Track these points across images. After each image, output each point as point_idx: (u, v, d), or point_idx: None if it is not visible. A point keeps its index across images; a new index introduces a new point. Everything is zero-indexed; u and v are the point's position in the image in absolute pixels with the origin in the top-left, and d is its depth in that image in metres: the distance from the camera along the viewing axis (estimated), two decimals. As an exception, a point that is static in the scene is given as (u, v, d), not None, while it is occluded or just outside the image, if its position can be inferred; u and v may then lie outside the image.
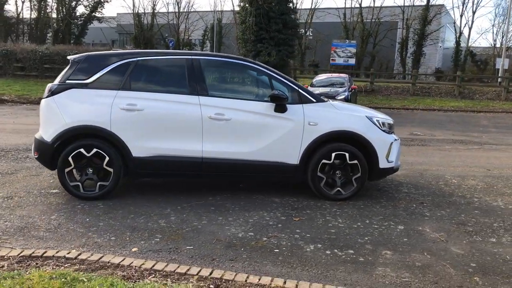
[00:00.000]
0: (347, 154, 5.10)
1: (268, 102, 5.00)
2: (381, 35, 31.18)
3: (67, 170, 4.81)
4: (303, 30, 34.05)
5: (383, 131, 5.27)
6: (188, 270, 3.10)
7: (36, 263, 3.12)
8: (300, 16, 34.81)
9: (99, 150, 4.80)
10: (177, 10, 42.38)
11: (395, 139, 5.43)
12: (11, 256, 3.25)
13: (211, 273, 3.06)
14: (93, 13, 33.44)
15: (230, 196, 5.21)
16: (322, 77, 18.07)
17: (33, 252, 3.28)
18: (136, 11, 41.07)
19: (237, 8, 19.83)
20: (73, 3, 32.55)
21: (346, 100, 15.48)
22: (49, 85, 4.97)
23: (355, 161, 5.12)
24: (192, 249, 3.67)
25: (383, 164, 5.22)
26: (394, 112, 17.01)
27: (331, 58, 24.99)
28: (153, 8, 42.30)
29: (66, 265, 3.13)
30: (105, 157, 4.81)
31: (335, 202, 5.09)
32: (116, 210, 4.58)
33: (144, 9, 44.53)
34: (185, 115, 4.91)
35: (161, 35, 42.13)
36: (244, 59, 5.37)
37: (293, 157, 5.05)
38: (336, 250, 3.75)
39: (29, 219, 4.25)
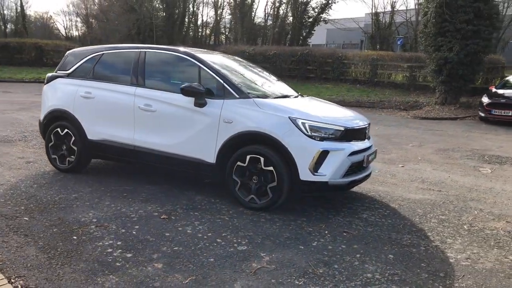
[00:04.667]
0: (262, 159, 4.47)
1: (188, 95, 4.83)
2: None
3: (50, 144, 5.84)
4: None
5: (310, 136, 4.35)
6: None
7: None
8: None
9: (68, 131, 5.66)
10: (417, 7, 40.30)
11: (337, 149, 4.39)
12: None
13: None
14: (320, 15, 35.10)
15: (164, 187, 5.27)
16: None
17: None
18: (375, 11, 41.23)
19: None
20: (302, 7, 34.93)
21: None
22: (47, 75, 6.11)
23: (271, 168, 4.43)
24: (25, 220, 4.09)
25: (305, 175, 4.34)
26: None
27: None
28: (392, 6, 41.56)
29: None
30: (72, 137, 5.64)
31: (245, 211, 4.55)
32: (62, 182, 5.33)
33: (384, 8, 44.06)
34: (122, 104, 5.25)
35: (397, 33, 40.95)
36: (177, 50, 5.23)
37: (210, 155, 4.76)
38: (122, 251, 3.53)
39: (1, 177, 5.45)
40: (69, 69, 5.81)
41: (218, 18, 45.12)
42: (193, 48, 5.67)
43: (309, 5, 35.45)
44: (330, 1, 35.12)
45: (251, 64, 6.23)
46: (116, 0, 42.85)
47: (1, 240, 3.65)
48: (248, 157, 4.54)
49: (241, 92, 4.71)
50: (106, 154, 5.56)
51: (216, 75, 4.84)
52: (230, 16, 42.80)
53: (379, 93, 19.19)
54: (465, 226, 4.39)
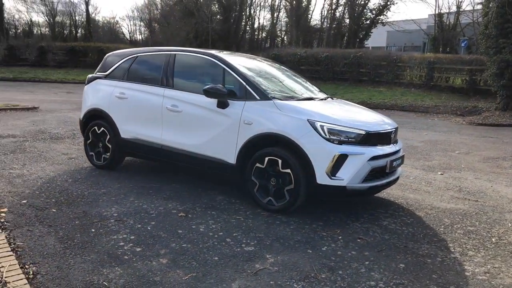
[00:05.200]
0: (279, 161, 4.47)
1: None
2: None
3: (88, 142, 6.17)
4: None
5: (328, 139, 4.28)
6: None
7: None
8: None
9: (104, 129, 5.95)
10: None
11: (357, 153, 4.28)
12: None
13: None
14: (378, 17, 34.27)
15: (189, 186, 5.40)
16: None
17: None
18: (439, 11, 39.74)
19: None
20: (359, 9, 34.28)
21: None
22: (88, 76, 6.45)
23: (288, 170, 4.41)
24: (53, 212, 4.35)
25: (322, 179, 4.28)
26: None
27: None
28: (458, 6, 39.92)
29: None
30: (107, 135, 5.92)
31: (262, 213, 4.56)
32: (95, 178, 5.62)
33: (449, 9, 42.32)
34: (151, 104, 5.43)
35: (463, 35, 39.20)
36: (204, 52, 5.31)
37: (231, 156, 4.81)
38: (133, 245, 3.67)
39: (37, 169, 5.82)
40: (107, 71, 6.11)
41: (275, 21, 45.29)
42: (225, 51, 5.74)
43: (367, 7, 34.73)
44: (388, 3, 34.19)
45: (283, 67, 6.23)
46: (176, 5, 44.17)
47: (27, 228, 3.91)
48: (266, 159, 4.55)
49: (262, 94, 4.72)
50: (136, 152, 5.77)
51: (239, 77, 4.88)
52: (286, 19, 42.88)
53: (435, 98, 18.39)
54: (493, 239, 4.12)
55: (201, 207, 4.68)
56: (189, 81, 5.37)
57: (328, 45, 34.94)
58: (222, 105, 4.81)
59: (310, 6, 37.67)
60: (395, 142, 4.89)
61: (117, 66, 6.01)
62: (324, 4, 38.42)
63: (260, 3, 46.29)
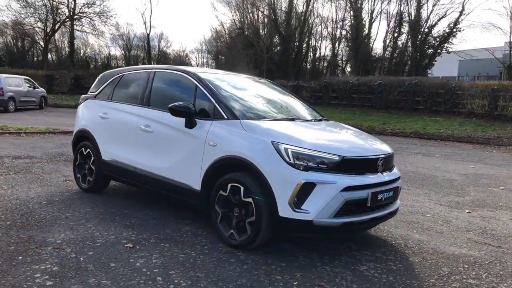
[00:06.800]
0: (242, 188, 3.87)
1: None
2: None
3: (76, 163, 5.95)
4: None
5: (292, 164, 3.63)
6: None
7: None
8: None
9: (90, 151, 5.70)
10: None
11: (326, 182, 3.58)
12: None
13: None
14: (443, 45, 32.53)
15: (163, 214, 4.94)
16: None
17: None
18: (513, 39, 37.31)
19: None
20: (423, 37, 32.79)
21: None
22: (81, 96, 6.28)
23: (250, 199, 3.81)
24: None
25: (285, 211, 3.62)
26: None
27: None
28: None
29: None
30: (92, 157, 5.66)
31: (222, 248, 3.96)
32: (71, 201, 5.34)
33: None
34: (128, 125, 5.09)
35: (543, 62, 36.28)
36: (179, 69, 4.89)
37: (196, 182, 4.29)
38: (48, 278, 3.23)
39: (23, 190, 5.65)
40: (96, 91, 5.90)
41: (335, 51, 44.70)
42: (206, 69, 5.33)
43: (430, 34, 33.17)
44: (454, 30, 32.38)
45: (280, 88, 5.68)
46: (238, 37, 45.26)
47: (-45, 253, 3.61)
48: (229, 185, 3.97)
49: (231, 113, 4.19)
50: (114, 175, 5.42)
51: (209, 94, 4.40)
52: (347, 49, 42.08)
53: (499, 128, 16.70)
54: (496, 298, 3.19)
55: (159, 238, 4.17)
56: (164, 99, 4.95)
57: (390, 74, 33.63)
58: (190, 124, 4.34)
59: (370, 35, 36.69)
60: (387, 170, 4.10)
61: (105, 86, 5.79)
62: (386, 33, 37.17)
63: (322, 34, 45.89)
